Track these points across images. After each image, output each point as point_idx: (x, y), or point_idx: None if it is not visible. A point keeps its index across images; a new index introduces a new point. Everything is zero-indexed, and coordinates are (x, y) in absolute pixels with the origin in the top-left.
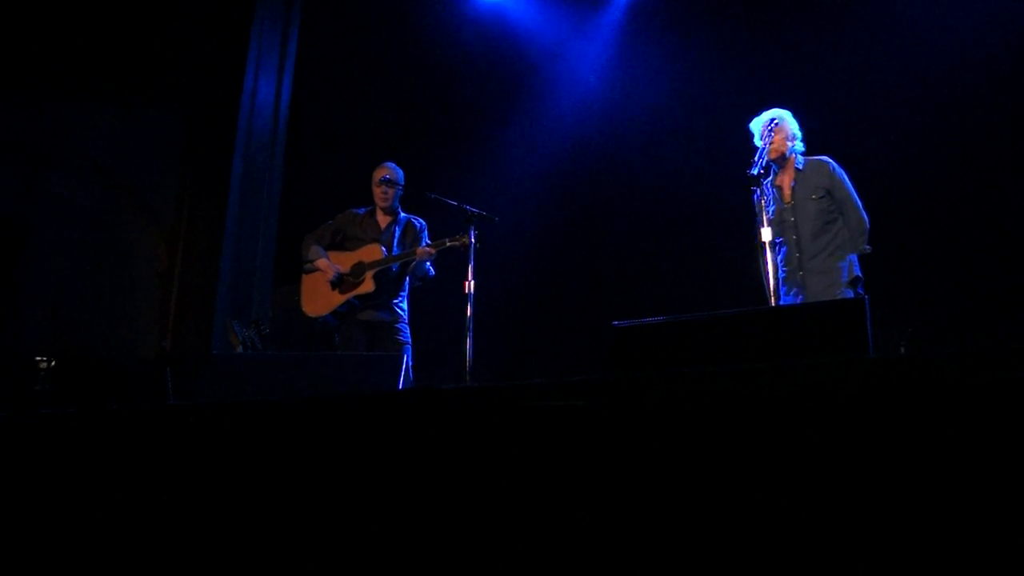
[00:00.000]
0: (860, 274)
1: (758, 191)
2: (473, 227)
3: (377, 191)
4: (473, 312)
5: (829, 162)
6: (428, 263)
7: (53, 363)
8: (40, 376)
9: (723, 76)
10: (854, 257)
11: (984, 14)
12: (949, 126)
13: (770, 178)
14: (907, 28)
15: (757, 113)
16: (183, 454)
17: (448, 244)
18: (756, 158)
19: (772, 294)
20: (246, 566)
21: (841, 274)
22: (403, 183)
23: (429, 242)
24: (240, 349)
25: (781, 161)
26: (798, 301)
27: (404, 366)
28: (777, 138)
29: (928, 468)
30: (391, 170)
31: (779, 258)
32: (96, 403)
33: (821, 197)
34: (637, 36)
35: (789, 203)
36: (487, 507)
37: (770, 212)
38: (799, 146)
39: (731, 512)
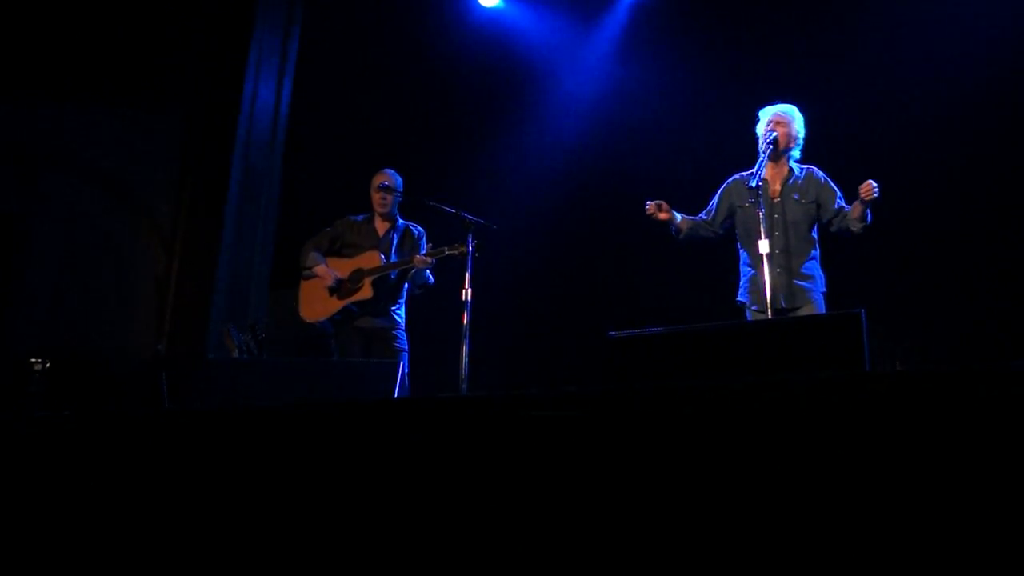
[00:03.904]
0: (826, 289)
1: (754, 201)
2: (471, 234)
3: (376, 197)
4: (470, 320)
5: (817, 171)
6: (428, 271)
7: (48, 365)
8: (35, 378)
9: (724, 86)
10: (823, 272)
11: (985, 17)
12: (948, 137)
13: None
14: (910, 43)
15: (756, 121)
16: (177, 458)
17: (447, 253)
18: (755, 170)
19: (769, 306)
20: (240, 569)
21: (815, 283)
22: (402, 190)
23: (427, 249)
24: (236, 354)
25: (776, 155)
26: (750, 304)
27: (400, 373)
28: (781, 131)
29: (924, 483)
30: (390, 176)
31: (748, 255)
32: (91, 406)
33: (810, 202)
34: (637, 46)
35: (775, 199)
36: (481, 516)
37: (748, 201)
38: (796, 153)
39: (725, 522)
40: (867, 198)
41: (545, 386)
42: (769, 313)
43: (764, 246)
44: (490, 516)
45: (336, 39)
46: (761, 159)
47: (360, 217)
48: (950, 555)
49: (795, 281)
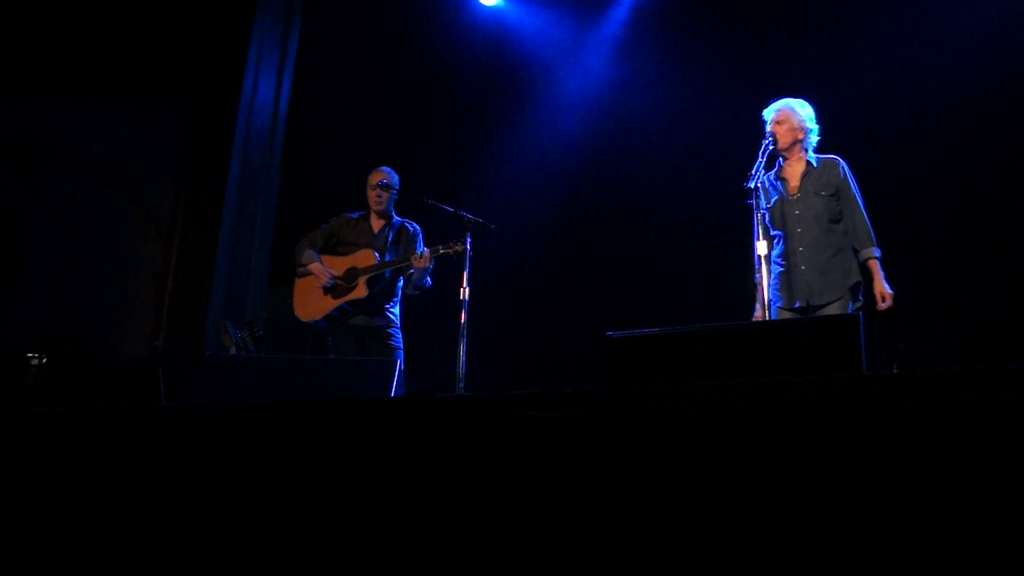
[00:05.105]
0: (860, 278)
1: (754, 202)
2: (469, 234)
3: (372, 195)
4: (467, 319)
5: (840, 162)
6: (427, 277)
7: (44, 360)
8: (31, 372)
9: (724, 84)
10: (854, 263)
11: (986, 17)
12: (948, 137)
13: (775, 170)
14: (911, 40)
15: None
16: (173, 455)
17: (442, 251)
18: (754, 170)
19: (766, 308)
20: (234, 567)
21: (843, 276)
22: (398, 187)
23: (424, 248)
24: (233, 350)
25: (789, 152)
26: (779, 303)
27: (396, 372)
28: (780, 128)
29: (921, 486)
30: (386, 174)
31: (776, 253)
32: (87, 401)
33: (830, 195)
34: (637, 44)
35: (795, 195)
36: (477, 516)
37: (771, 201)
38: (812, 139)
39: (721, 526)
40: (879, 308)
41: (543, 386)
42: (767, 313)
43: (762, 247)
44: (486, 517)
45: (336, 36)
46: (758, 160)
47: (356, 215)
48: (948, 558)
49: (824, 277)
